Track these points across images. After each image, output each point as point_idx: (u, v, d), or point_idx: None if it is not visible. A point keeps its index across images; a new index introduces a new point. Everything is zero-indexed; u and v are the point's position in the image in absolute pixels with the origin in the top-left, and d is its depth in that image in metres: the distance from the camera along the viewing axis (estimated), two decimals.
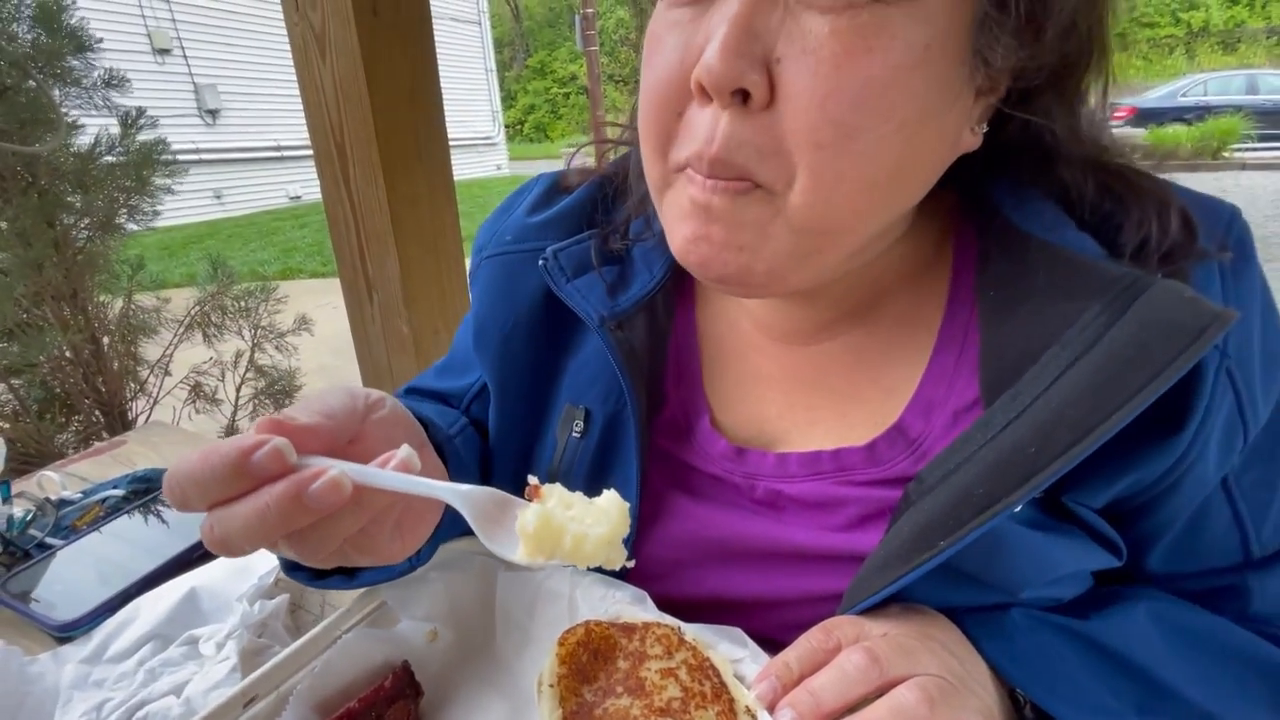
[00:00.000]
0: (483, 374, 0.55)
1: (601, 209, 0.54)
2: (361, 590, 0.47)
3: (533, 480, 0.34)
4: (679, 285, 0.53)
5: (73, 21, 1.37)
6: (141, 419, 1.77)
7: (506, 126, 18.63)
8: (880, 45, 0.32)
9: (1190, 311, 0.33)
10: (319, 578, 0.45)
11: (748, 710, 0.38)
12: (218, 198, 9.80)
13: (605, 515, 0.32)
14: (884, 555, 0.39)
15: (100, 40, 1.41)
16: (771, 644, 0.43)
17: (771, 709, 0.36)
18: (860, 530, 0.44)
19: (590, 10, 13.99)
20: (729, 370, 0.50)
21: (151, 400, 1.77)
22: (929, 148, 0.37)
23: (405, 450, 0.33)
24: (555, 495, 0.33)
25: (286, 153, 10.87)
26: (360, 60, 1.43)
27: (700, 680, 0.39)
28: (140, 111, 1.53)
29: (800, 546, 0.45)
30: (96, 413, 1.75)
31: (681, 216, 0.38)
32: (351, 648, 0.43)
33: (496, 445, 0.55)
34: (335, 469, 0.30)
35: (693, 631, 0.43)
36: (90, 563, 0.58)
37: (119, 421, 1.72)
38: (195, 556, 0.60)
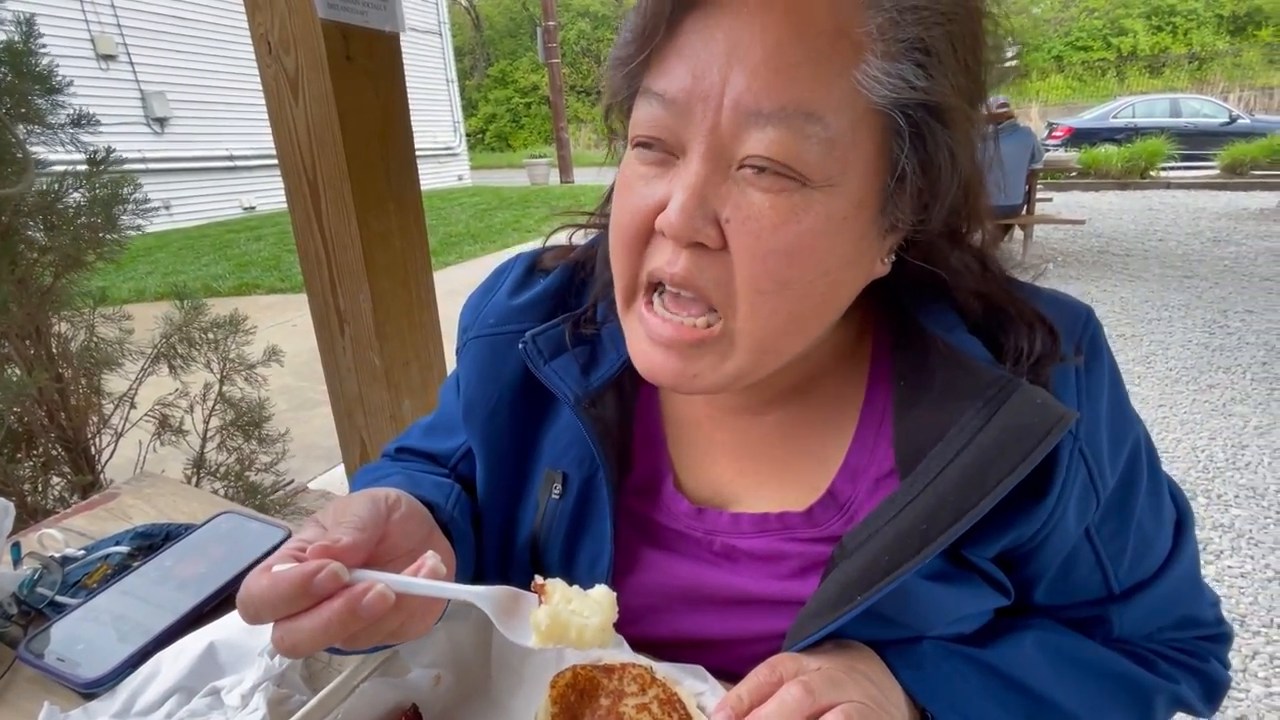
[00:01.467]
0: (469, 441, 0.62)
1: (574, 293, 0.61)
2: None
3: (539, 580, 0.42)
4: None
5: (41, 65, 1.38)
6: (106, 453, 1.76)
7: (467, 135, 18.47)
8: (808, 217, 0.41)
9: (1040, 417, 0.43)
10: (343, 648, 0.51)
11: None
12: (166, 209, 9.49)
13: (599, 606, 0.41)
14: (816, 605, 0.48)
15: (71, 83, 1.42)
16: (729, 675, 0.52)
17: None
18: (801, 579, 0.52)
19: (552, 23, 14.08)
20: (688, 439, 0.58)
21: (116, 434, 1.76)
22: (847, 283, 0.46)
23: (433, 559, 0.40)
24: (558, 591, 0.41)
25: (239, 162, 10.59)
26: (333, 103, 1.47)
27: (669, 713, 0.47)
28: (109, 150, 1.53)
29: (752, 593, 0.53)
30: (58, 447, 1.73)
31: (643, 340, 0.47)
32: (369, 695, 0.49)
33: (484, 505, 0.61)
34: (380, 584, 0.38)
35: (662, 670, 0.51)
36: (108, 620, 0.63)
37: (83, 457, 1.70)
38: (207, 611, 0.65)
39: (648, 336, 0.46)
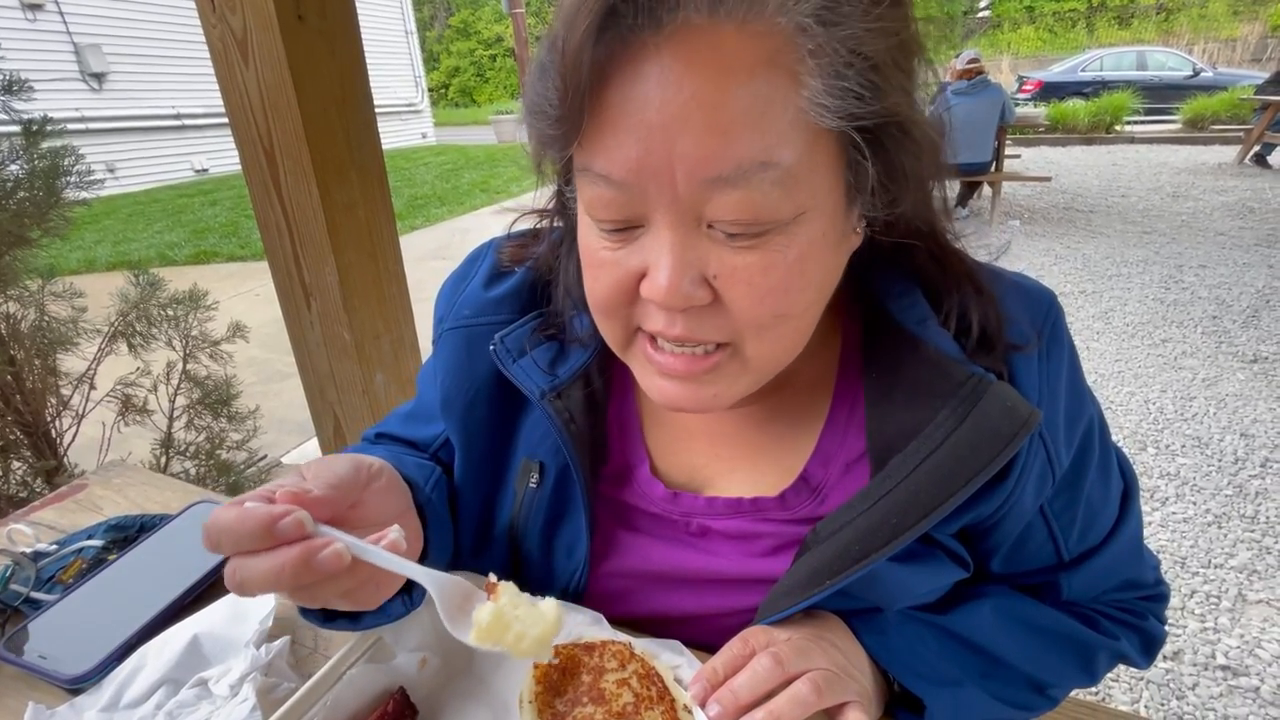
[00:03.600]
0: (447, 431, 0.62)
1: (542, 290, 0.60)
2: (361, 632, 0.55)
3: (491, 578, 0.43)
4: (608, 359, 0.59)
5: None
6: (68, 435, 1.71)
7: (430, 91, 17.72)
8: (792, 250, 0.41)
9: (1008, 419, 0.45)
10: (329, 620, 0.53)
11: (685, 707, 0.48)
12: (111, 171, 9.00)
13: (543, 618, 0.41)
14: (787, 585, 0.50)
15: None
16: (704, 646, 0.54)
17: (703, 705, 0.47)
18: (773, 557, 0.55)
19: None
20: (664, 427, 0.60)
21: (77, 416, 1.71)
22: (834, 278, 0.47)
23: (396, 533, 0.41)
24: (508, 593, 0.42)
25: (188, 121, 10.04)
26: (286, 66, 1.41)
27: (648, 686, 0.50)
28: (46, 118, 1.44)
29: (726, 573, 0.55)
30: (16, 431, 1.68)
31: (654, 374, 0.47)
32: (356, 681, 0.51)
33: (462, 492, 0.62)
34: (340, 542, 0.38)
35: (641, 645, 0.53)
36: (88, 615, 0.63)
37: (44, 441, 1.66)
38: (189, 602, 0.65)
39: (660, 373, 0.46)
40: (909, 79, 0.41)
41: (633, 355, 0.48)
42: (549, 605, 0.42)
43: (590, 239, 0.45)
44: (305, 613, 0.52)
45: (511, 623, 0.41)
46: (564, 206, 0.55)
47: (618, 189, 0.40)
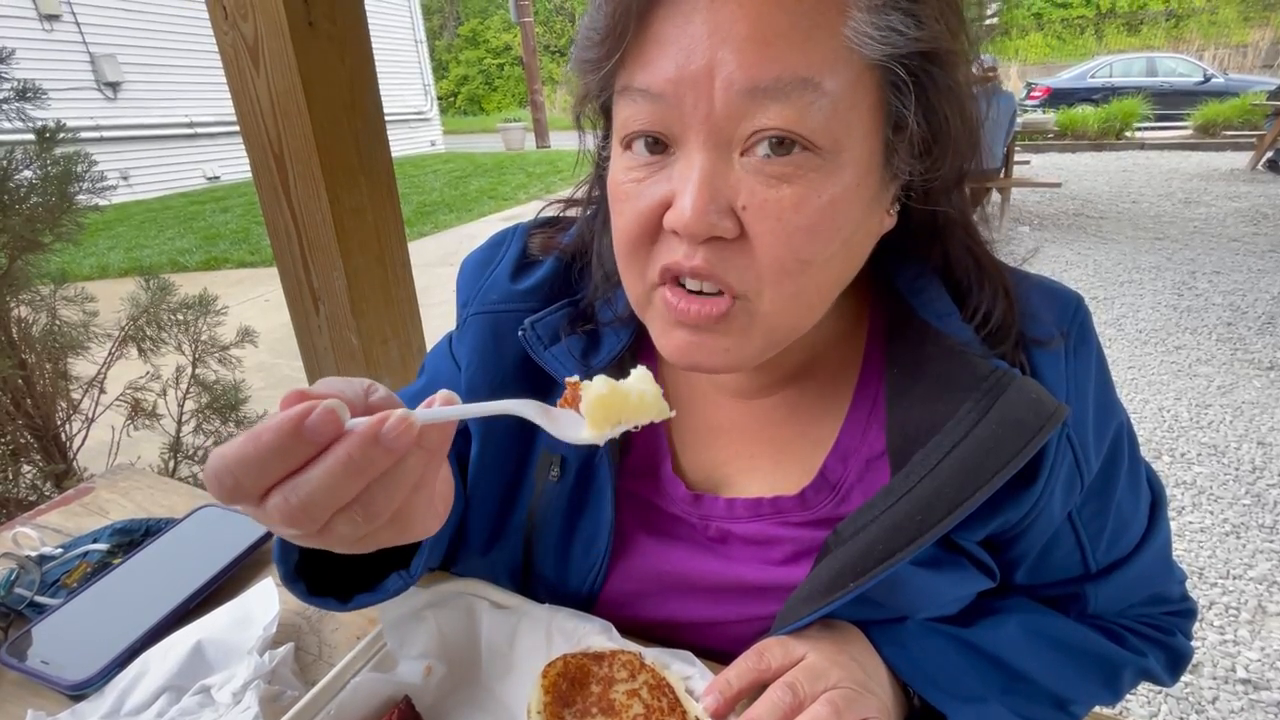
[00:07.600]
0: (468, 420, 0.61)
1: (572, 280, 0.60)
2: (366, 639, 0.54)
3: (571, 379, 0.39)
4: (642, 344, 0.59)
5: None
6: (78, 439, 1.72)
7: (439, 99, 17.87)
8: (826, 189, 0.40)
9: (1034, 412, 0.43)
10: (314, 594, 0.49)
11: (697, 719, 0.47)
12: (125, 179, 9.09)
13: (644, 380, 0.39)
14: (808, 590, 0.48)
15: (13, 52, 1.34)
16: (718, 654, 0.53)
17: (716, 717, 0.46)
18: (793, 564, 0.53)
19: None
20: (687, 420, 0.59)
21: (87, 420, 1.71)
22: (861, 246, 0.46)
23: (443, 392, 0.35)
24: (595, 380, 0.38)
25: (200, 129, 10.16)
26: (297, 72, 1.42)
27: (659, 697, 0.49)
28: (60, 124, 1.46)
29: (744, 580, 0.54)
30: (26, 435, 1.69)
31: (668, 328, 0.45)
32: (361, 689, 0.50)
33: (479, 482, 0.60)
34: (400, 410, 0.31)
35: (651, 655, 0.52)
36: (91, 620, 0.62)
37: (53, 444, 1.66)
38: (193, 608, 0.64)
39: (675, 321, 0.44)
40: (956, 16, 0.41)
41: (652, 311, 0.47)
42: (638, 375, 0.40)
43: (617, 173, 0.44)
44: (289, 582, 0.48)
45: (626, 392, 0.38)
46: (599, 170, 0.54)
47: (655, 102, 0.40)
